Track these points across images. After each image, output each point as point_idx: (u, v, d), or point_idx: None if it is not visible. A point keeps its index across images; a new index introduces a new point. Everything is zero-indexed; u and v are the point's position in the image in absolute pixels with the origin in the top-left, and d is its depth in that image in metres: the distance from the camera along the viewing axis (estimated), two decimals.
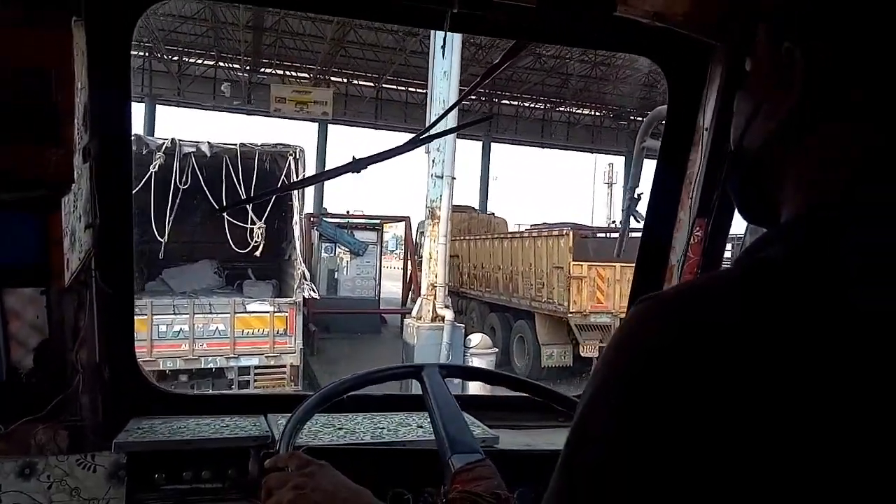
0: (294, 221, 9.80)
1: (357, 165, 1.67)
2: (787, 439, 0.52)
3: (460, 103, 1.40)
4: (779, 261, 0.60)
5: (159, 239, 8.99)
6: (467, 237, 18.18)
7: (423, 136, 1.57)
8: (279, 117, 20.51)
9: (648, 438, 0.55)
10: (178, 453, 1.60)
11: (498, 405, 2.01)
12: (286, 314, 9.26)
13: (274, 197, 9.66)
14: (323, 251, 17.71)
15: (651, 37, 1.61)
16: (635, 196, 2.01)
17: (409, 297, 19.97)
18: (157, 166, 8.62)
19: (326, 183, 26.00)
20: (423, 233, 20.59)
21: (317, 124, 28.31)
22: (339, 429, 1.75)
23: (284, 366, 9.31)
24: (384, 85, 28.96)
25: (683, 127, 1.71)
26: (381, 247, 19.09)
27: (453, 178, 11.20)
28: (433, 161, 10.75)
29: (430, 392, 1.42)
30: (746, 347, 0.55)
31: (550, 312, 13.95)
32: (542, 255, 14.55)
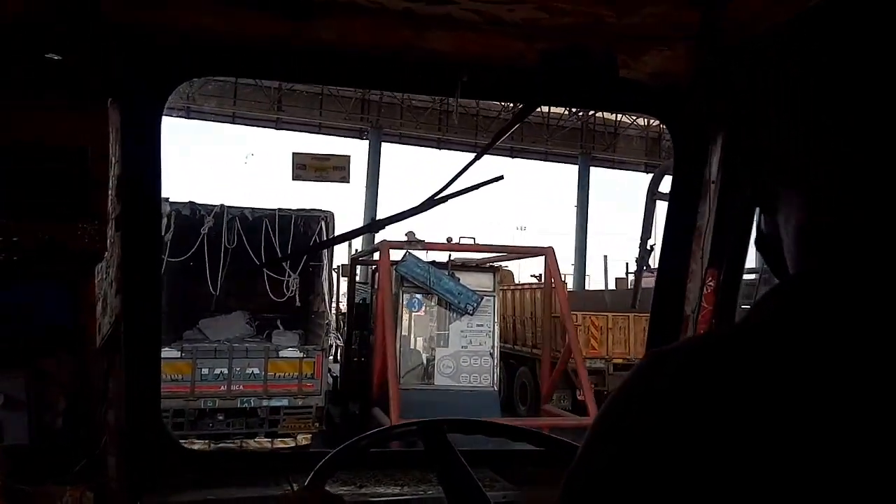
0: (323, 277, 10.85)
1: (376, 226, 1.78)
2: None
3: (475, 163, 1.62)
4: (757, 326, 0.65)
5: (212, 292, 10.24)
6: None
7: (439, 196, 1.59)
8: (302, 181, 15.14)
9: (646, 474, 0.58)
10: None
11: (519, 459, 1.97)
12: (314, 360, 10.08)
13: (306, 254, 10.63)
14: (405, 305, 10.94)
15: (654, 96, 1.63)
16: (648, 248, 1.99)
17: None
18: (207, 228, 9.94)
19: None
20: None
21: (367, 142, 25.13)
22: (360, 487, 1.73)
23: (311, 407, 10.04)
24: None
25: (691, 181, 1.72)
26: (499, 300, 11.89)
27: None
28: None
29: (433, 450, 1.40)
30: (729, 404, 0.58)
31: (549, 359, 13.56)
32: (541, 305, 14.20)
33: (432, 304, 11.12)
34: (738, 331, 0.70)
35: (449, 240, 12.05)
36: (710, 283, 1.68)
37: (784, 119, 0.64)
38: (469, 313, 11.01)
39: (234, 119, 25.14)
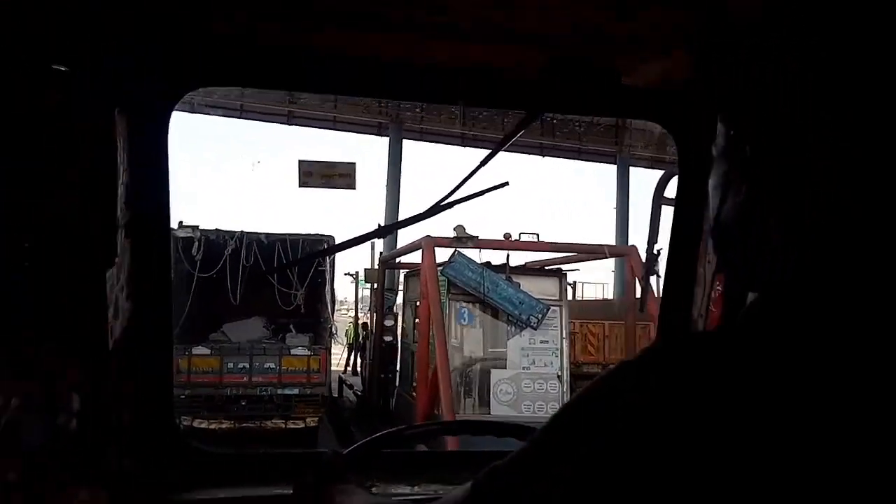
0: (326, 290, 12.30)
1: (382, 232, 1.94)
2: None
3: (479, 170, 1.58)
4: (740, 328, 0.64)
5: (233, 302, 11.85)
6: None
7: (444, 203, 1.52)
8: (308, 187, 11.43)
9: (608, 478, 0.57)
10: None
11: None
12: (319, 357, 11.47)
13: (313, 268, 12.07)
14: (456, 318, 8.90)
15: (655, 101, 1.57)
16: (655, 252, 1.91)
17: None
18: (230, 250, 11.65)
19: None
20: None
21: (388, 139, 22.25)
22: (370, 486, 1.62)
23: (318, 395, 11.40)
24: None
25: (695, 185, 1.64)
26: (566, 312, 9.41)
27: None
28: None
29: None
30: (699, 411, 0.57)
31: None
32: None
33: (486, 315, 8.97)
34: (717, 334, 0.69)
35: (507, 236, 9.34)
36: (718, 288, 1.61)
37: (783, 114, 0.61)
38: (532, 327, 8.74)
39: (241, 114, 21.86)
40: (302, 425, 11.43)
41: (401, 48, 1.41)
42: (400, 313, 12.46)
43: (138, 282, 1.47)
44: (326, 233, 12.09)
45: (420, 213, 1.60)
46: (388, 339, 12.14)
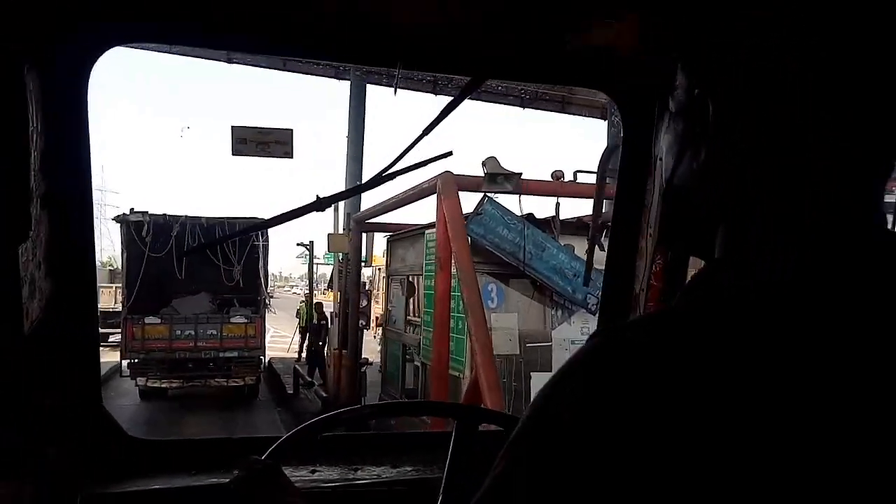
0: (260, 266, 13.12)
1: (321, 205, 1.58)
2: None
3: (421, 140, 1.42)
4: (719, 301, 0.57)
5: (179, 277, 12.67)
6: None
7: (386, 174, 1.40)
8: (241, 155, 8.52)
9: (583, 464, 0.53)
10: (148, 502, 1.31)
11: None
12: (255, 324, 12.36)
13: (249, 246, 12.97)
14: (486, 296, 5.53)
15: (601, 70, 1.46)
16: (599, 224, 1.81)
17: None
18: (175, 232, 12.51)
19: None
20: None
21: (349, 82, 17.00)
22: (313, 472, 1.53)
23: (254, 357, 12.15)
24: None
25: (638, 157, 1.56)
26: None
27: None
28: None
29: (460, 444, 1.18)
30: (695, 384, 0.51)
31: None
32: None
33: (520, 293, 6.29)
34: (661, 316, 0.62)
35: (557, 176, 6.04)
36: (659, 261, 1.55)
37: (783, 114, 0.58)
38: (590, 310, 6.08)
39: (171, 48, 17.70)
40: (241, 383, 12.28)
41: (338, 9, 1.24)
42: (375, 291, 9.61)
43: (58, 257, 1.27)
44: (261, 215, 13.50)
45: (361, 184, 1.37)
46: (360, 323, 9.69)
